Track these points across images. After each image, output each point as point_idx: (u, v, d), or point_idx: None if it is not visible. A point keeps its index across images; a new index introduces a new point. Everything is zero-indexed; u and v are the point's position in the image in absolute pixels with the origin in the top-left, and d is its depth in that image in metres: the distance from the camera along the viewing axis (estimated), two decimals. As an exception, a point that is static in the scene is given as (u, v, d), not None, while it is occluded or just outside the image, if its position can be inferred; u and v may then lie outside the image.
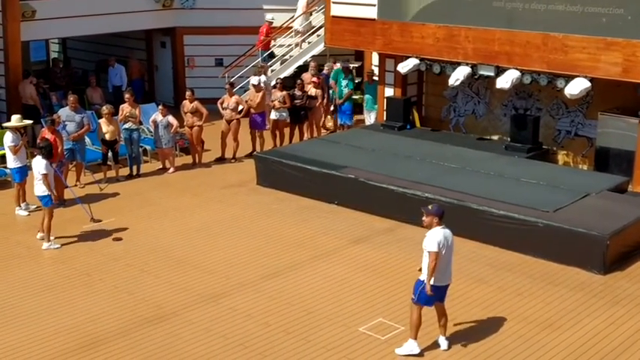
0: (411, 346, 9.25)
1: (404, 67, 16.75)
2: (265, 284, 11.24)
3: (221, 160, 17.60)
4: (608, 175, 14.36)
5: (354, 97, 19.62)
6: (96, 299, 10.82)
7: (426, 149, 15.75)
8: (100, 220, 13.79)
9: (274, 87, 18.46)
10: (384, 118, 18.07)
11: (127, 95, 16.74)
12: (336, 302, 10.65)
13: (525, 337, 9.68)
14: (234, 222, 13.76)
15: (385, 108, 18.08)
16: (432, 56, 16.38)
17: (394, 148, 15.82)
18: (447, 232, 9.14)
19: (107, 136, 15.90)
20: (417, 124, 17.90)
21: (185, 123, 17.09)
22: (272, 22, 21.47)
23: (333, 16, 17.93)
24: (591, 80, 14.23)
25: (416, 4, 16.43)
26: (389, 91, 18.22)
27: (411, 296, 9.26)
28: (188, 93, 17.14)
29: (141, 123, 17.00)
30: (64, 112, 15.60)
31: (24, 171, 14.24)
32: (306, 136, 18.41)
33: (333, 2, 17.84)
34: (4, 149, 14.92)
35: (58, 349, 9.51)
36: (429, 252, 8.98)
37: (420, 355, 9.25)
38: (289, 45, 21.81)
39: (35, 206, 14.07)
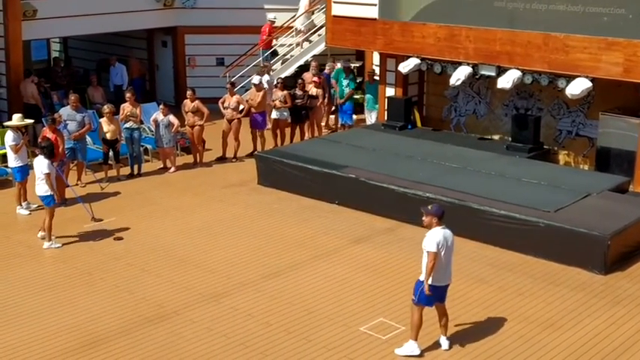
0: (412, 347, 9.25)
1: (405, 67, 16.75)
2: (266, 284, 11.24)
3: (222, 159, 17.61)
4: (609, 175, 14.36)
5: (355, 96, 19.62)
6: (97, 298, 10.83)
7: (427, 149, 15.75)
8: (101, 220, 13.79)
9: (275, 86, 18.46)
10: (385, 118, 18.07)
11: (128, 94, 16.74)
12: (337, 302, 10.65)
13: (526, 337, 9.68)
14: (235, 221, 13.76)
15: (386, 108, 18.08)
16: (433, 56, 16.37)
17: (395, 148, 15.82)
18: (447, 232, 9.14)
19: (108, 136, 15.90)
20: (418, 123, 17.91)
21: (186, 122, 17.09)
22: (274, 22, 21.47)
23: (334, 16, 17.92)
24: (592, 80, 14.23)
25: (417, 3, 16.43)
26: (390, 91, 18.22)
27: (412, 297, 9.27)
28: (189, 92, 17.14)
29: (142, 122, 17.00)
30: (65, 112, 15.60)
31: (25, 170, 14.24)
32: (307, 135, 18.42)
33: (334, 2, 17.84)
34: (5, 148, 14.93)
35: (59, 348, 9.52)
36: (427, 252, 8.98)
37: (421, 355, 9.25)
38: (290, 45, 21.80)
39: (36, 205, 14.08)
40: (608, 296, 10.80)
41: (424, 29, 16.36)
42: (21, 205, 14.37)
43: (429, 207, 9.25)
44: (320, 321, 10.13)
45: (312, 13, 21.52)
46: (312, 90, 18.28)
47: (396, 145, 15.99)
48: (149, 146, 17.55)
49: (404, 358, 9.24)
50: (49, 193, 12.55)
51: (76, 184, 15.47)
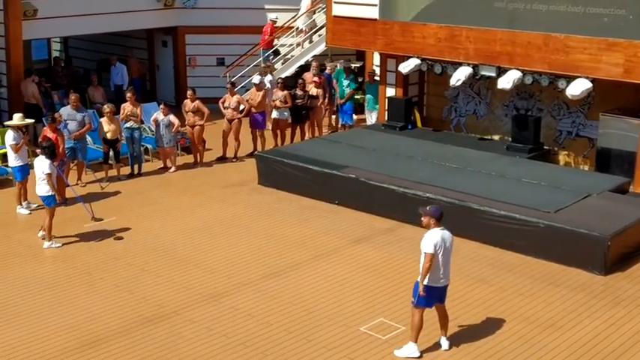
0: (411, 349, 9.23)
1: (405, 67, 16.75)
2: (266, 284, 11.25)
3: (222, 159, 17.61)
4: (610, 175, 14.36)
5: (356, 97, 19.62)
6: (97, 298, 10.83)
7: (427, 149, 15.75)
8: (101, 219, 13.79)
9: (276, 86, 18.46)
10: (386, 118, 18.08)
11: (128, 94, 16.74)
12: (337, 302, 10.65)
13: (526, 337, 9.68)
14: (236, 221, 13.77)
15: (386, 108, 18.10)
16: (433, 56, 16.38)
17: (395, 148, 15.82)
18: (446, 233, 9.11)
19: (108, 135, 15.90)
20: (419, 124, 17.91)
21: (186, 122, 17.09)
22: (276, 22, 21.47)
23: (335, 16, 17.93)
24: (593, 81, 14.23)
25: (417, 4, 16.44)
26: (390, 91, 18.23)
27: (411, 299, 9.25)
28: (189, 92, 17.14)
29: (142, 122, 17.00)
30: (66, 111, 15.60)
31: (25, 170, 14.24)
32: (307, 135, 18.42)
33: (335, 2, 17.85)
34: (5, 148, 14.94)
35: (59, 347, 9.52)
36: (424, 253, 8.96)
37: (420, 356, 9.23)
38: (290, 45, 21.81)
39: (36, 205, 14.08)
40: (608, 297, 10.80)
41: (424, 29, 16.37)
42: (21, 205, 14.37)
43: (427, 208, 9.24)
44: (320, 321, 10.13)
45: (314, 13, 21.51)
46: (313, 90, 18.28)
47: (396, 146, 16.00)
48: (149, 146, 17.55)
49: (403, 359, 9.23)
50: (50, 194, 12.54)
51: (77, 184, 15.47)
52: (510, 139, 16.16)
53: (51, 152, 12.77)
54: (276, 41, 21.74)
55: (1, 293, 11.00)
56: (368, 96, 18.85)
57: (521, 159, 15.26)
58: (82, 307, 10.56)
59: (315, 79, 18.52)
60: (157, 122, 16.54)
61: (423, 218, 9.15)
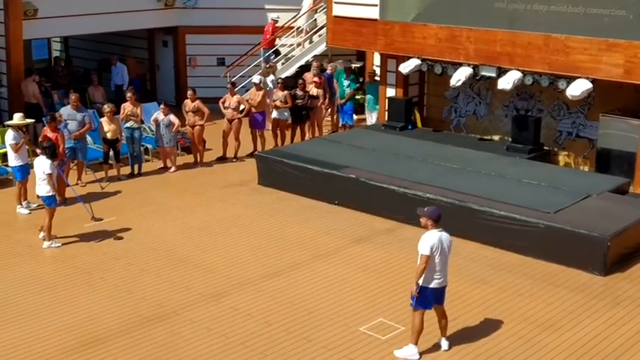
0: (411, 351, 9.22)
1: (405, 68, 16.76)
2: (266, 283, 11.25)
3: (222, 159, 17.61)
4: (609, 176, 14.36)
5: (356, 97, 19.63)
6: (96, 298, 10.83)
7: (427, 149, 15.75)
8: (101, 219, 13.79)
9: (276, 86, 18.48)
10: (386, 119, 18.08)
11: (128, 94, 16.74)
12: (337, 302, 10.66)
13: (526, 337, 9.68)
14: (236, 221, 13.77)
15: (387, 108, 18.10)
16: (433, 57, 16.38)
17: (395, 149, 15.82)
18: (444, 235, 9.06)
19: (109, 135, 15.91)
20: (419, 124, 17.92)
21: (187, 122, 17.09)
22: (277, 21, 21.47)
23: (335, 16, 17.94)
24: (593, 81, 14.23)
25: (418, 4, 16.44)
26: (390, 92, 18.23)
27: (410, 302, 9.23)
28: (190, 92, 17.14)
29: (142, 122, 17.00)
30: (66, 111, 15.60)
31: (25, 169, 14.24)
32: (307, 135, 18.42)
33: (335, 2, 17.86)
34: (5, 147, 14.94)
35: (59, 347, 9.52)
36: (420, 254, 8.92)
37: (420, 358, 9.22)
38: (291, 45, 21.81)
39: (36, 205, 14.08)
40: (608, 297, 10.80)
41: (425, 30, 16.37)
42: (21, 205, 14.37)
43: (425, 209, 9.19)
44: (320, 321, 10.13)
45: (315, 12, 21.50)
46: (313, 90, 18.28)
47: (396, 146, 16.00)
48: (149, 146, 17.55)
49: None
50: (50, 194, 12.53)
51: (77, 184, 15.47)
52: (510, 139, 16.15)
53: (52, 152, 12.77)
54: (277, 41, 21.74)
55: (1, 293, 11.00)
56: (368, 96, 18.85)
57: (521, 159, 15.26)
58: (82, 306, 10.57)
59: (316, 79, 18.52)
60: (157, 122, 16.55)
61: (420, 219, 9.14)
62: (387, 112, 18.10)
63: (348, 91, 18.92)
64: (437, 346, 9.41)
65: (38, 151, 13.15)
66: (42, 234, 12.81)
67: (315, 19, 21.49)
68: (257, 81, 18.08)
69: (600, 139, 15.21)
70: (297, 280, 11.39)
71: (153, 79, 23.50)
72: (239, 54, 21.54)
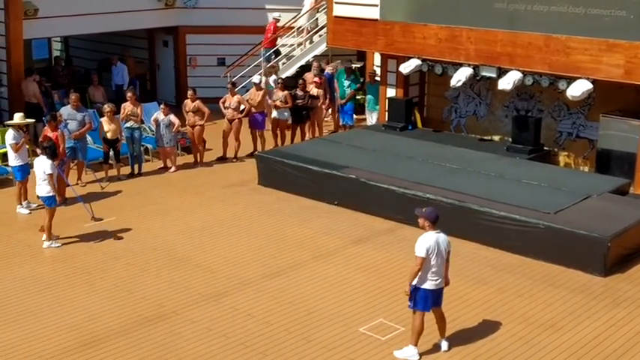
0: (411, 352, 9.21)
1: (406, 68, 16.75)
2: (266, 284, 11.25)
3: (222, 159, 17.61)
4: (610, 177, 14.36)
5: (357, 97, 19.62)
6: (96, 298, 10.83)
7: (427, 150, 15.75)
8: (101, 219, 13.79)
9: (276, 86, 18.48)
10: (386, 119, 18.08)
11: (128, 94, 16.74)
12: (337, 302, 10.66)
13: (526, 338, 9.68)
14: (236, 221, 13.77)
15: (387, 108, 18.10)
16: (434, 57, 16.38)
17: (395, 149, 15.82)
18: (442, 237, 9.01)
19: (109, 135, 15.91)
20: (419, 124, 17.92)
21: (187, 122, 17.09)
22: (279, 20, 21.46)
23: (336, 17, 17.93)
24: (593, 82, 14.23)
25: (418, 4, 16.43)
26: (391, 92, 18.23)
27: (408, 303, 9.22)
28: (190, 92, 17.14)
29: (142, 122, 17.01)
30: (66, 111, 15.60)
31: (25, 169, 14.24)
32: (307, 136, 18.42)
33: (336, 2, 17.86)
34: (5, 147, 14.94)
35: (59, 347, 9.52)
36: (415, 256, 8.90)
37: (420, 358, 9.24)
38: (291, 45, 21.80)
39: (36, 205, 14.08)
40: (608, 298, 10.80)
41: (425, 30, 16.37)
42: (21, 204, 14.37)
43: (423, 209, 9.16)
44: (320, 321, 10.13)
45: (317, 11, 21.48)
46: (313, 90, 18.28)
47: (396, 146, 16.00)
48: (150, 146, 17.55)
49: None
50: (51, 194, 12.52)
51: (77, 184, 15.47)
52: (510, 140, 16.15)
53: (52, 152, 12.76)
54: (278, 40, 21.74)
55: (0, 293, 11.00)
56: (368, 96, 18.85)
57: (521, 160, 15.25)
58: (82, 306, 10.56)
59: (316, 79, 18.53)
60: (157, 122, 16.55)
61: (418, 220, 9.12)
62: (387, 113, 18.09)
63: (348, 91, 18.92)
64: (437, 347, 9.42)
65: (38, 151, 13.14)
66: (44, 237, 12.77)
67: (317, 19, 21.49)
68: (257, 81, 18.08)
69: (600, 139, 15.20)
70: (298, 280, 11.39)
71: (153, 79, 23.50)
72: (239, 54, 21.54)
